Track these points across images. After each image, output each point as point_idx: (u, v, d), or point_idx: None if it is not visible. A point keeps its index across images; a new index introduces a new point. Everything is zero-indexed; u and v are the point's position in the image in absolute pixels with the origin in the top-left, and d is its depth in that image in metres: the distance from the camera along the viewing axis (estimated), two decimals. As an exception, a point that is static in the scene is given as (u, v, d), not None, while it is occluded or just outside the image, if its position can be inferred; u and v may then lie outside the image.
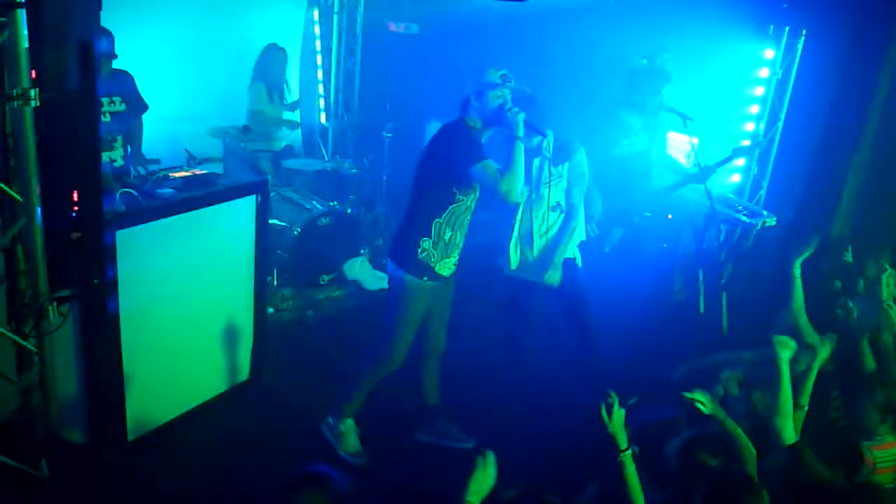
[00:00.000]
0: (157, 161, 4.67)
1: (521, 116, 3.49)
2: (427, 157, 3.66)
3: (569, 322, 4.37)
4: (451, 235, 3.68)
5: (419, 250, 3.65)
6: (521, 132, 3.48)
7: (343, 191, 6.44)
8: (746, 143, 5.82)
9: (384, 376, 3.91)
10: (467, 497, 2.42)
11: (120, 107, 4.65)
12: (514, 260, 4.23)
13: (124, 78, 4.71)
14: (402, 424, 4.15)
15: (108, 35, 4.36)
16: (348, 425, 3.95)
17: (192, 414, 4.09)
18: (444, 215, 3.62)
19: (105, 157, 4.48)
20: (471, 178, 3.53)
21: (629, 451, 2.69)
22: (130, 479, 3.64)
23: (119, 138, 4.69)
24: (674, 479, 2.85)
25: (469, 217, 3.73)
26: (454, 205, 3.62)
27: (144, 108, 4.88)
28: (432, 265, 3.69)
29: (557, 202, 4.16)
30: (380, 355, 3.85)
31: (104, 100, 4.50)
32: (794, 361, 3.16)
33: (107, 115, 4.54)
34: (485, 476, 2.45)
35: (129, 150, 4.79)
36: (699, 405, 2.92)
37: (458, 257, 3.81)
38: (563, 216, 4.19)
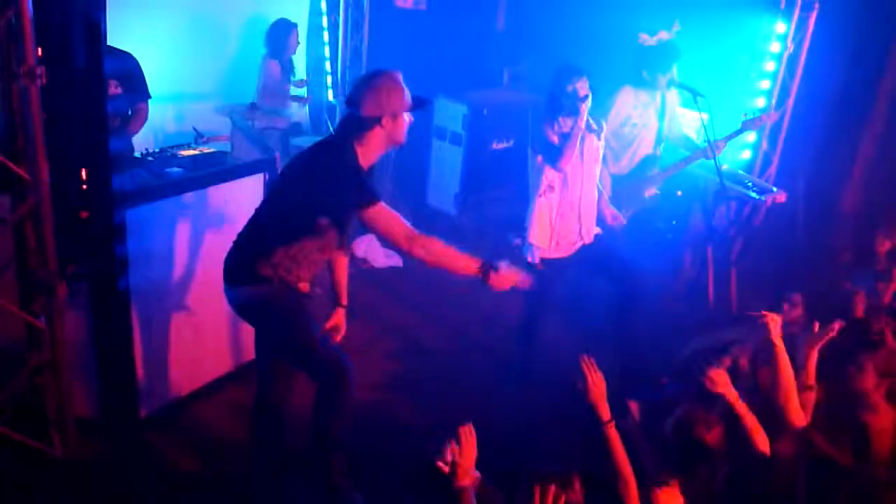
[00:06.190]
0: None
1: None
2: None
3: (611, 286, 4.33)
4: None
5: None
6: None
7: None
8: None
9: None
10: (458, 483, 2.37)
11: (115, 90, 4.27)
12: (546, 240, 4.14)
13: (126, 59, 4.36)
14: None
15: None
16: None
17: (204, 390, 4.12)
18: None
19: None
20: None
21: (612, 423, 2.66)
22: (143, 456, 3.67)
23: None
24: (672, 454, 2.82)
25: None
26: None
27: (145, 95, 4.49)
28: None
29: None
30: None
31: None
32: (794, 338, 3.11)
33: None
34: (468, 452, 2.40)
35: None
36: (709, 383, 2.87)
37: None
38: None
